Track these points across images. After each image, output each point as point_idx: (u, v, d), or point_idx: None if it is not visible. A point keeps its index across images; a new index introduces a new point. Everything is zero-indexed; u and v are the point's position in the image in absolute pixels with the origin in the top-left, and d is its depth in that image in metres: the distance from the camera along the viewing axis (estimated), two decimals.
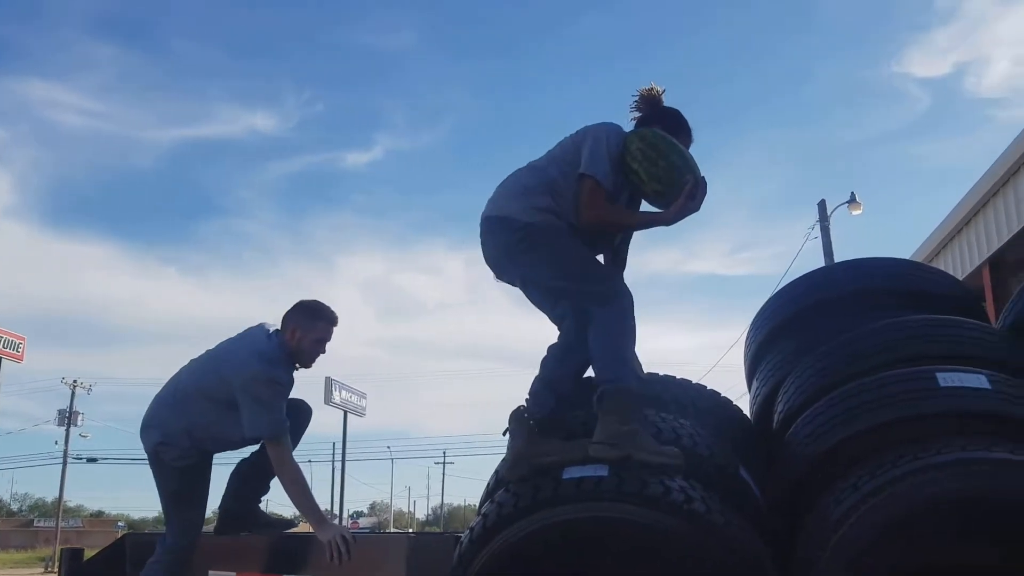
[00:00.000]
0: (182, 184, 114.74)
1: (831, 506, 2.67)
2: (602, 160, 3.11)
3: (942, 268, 9.80)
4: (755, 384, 3.81)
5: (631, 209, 3.26)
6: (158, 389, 3.84)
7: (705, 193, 3.08)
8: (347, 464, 32.89)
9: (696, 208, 3.07)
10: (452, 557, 2.99)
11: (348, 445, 32.57)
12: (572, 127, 3.28)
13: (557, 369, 3.18)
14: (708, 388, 3.54)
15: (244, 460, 3.92)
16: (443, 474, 64.82)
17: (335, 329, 3.83)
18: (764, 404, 3.62)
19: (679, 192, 3.03)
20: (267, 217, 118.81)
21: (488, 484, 3.27)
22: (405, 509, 76.77)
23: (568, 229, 3.11)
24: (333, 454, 44.15)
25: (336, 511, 32.68)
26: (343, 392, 31.77)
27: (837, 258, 18.08)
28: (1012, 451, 2.53)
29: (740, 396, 4.29)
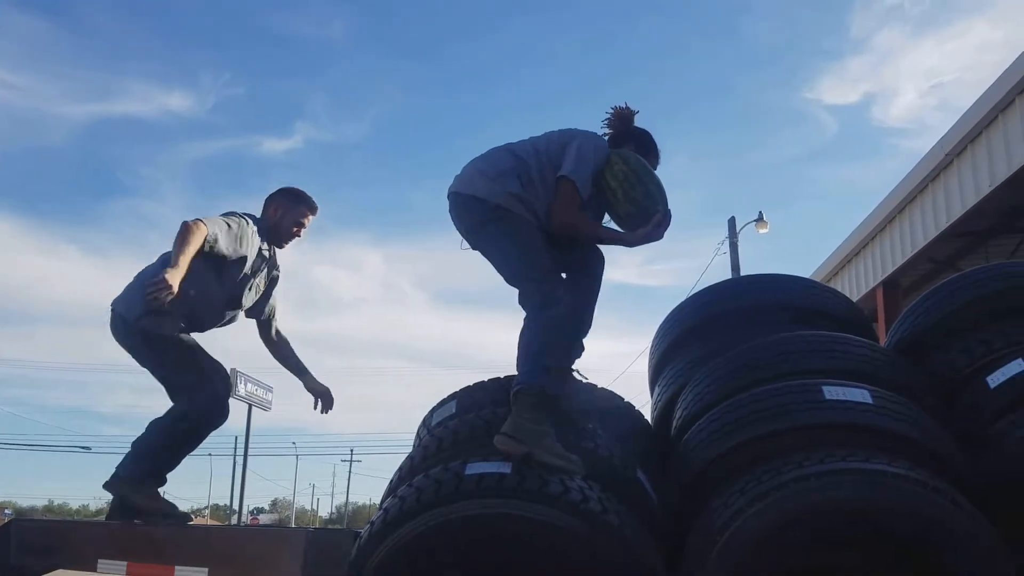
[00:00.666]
0: (92, 162, 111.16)
1: (719, 509, 2.79)
2: (586, 167, 3.19)
3: (840, 288, 10.24)
4: (657, 390, 3.94)
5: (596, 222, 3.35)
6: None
7: (668, 225, 3.23)
8: (250, 459, 32.17)
9: (659, 237, 3.22)
10: (351, 552, 3.02)
11: (252, 439, 31.88)
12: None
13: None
14: (610, 392, 3.64)
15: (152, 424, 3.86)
16: (349, 472, 64.03)
17: (312, 219, 4.10)
18: (664, 410, 3.74)
19: (648, 219, 3.17)
20: (177, 200, 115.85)
21: (392, 481, 3.30)
22: (308, 506, 75.62)
23: (533, 224, 3.16)
24: (235, 448, 43.13)
25: (236, 506, 31.97)
26: (248, 385, 31.03)
27: (744, 273, 18.63)
28: (888, 463, 2.69)
29: (646, 403, 4.41)
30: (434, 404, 3.86)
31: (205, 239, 3.73)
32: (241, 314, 4.16)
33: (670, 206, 3.25)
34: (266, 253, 4.06)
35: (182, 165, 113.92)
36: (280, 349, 4.26)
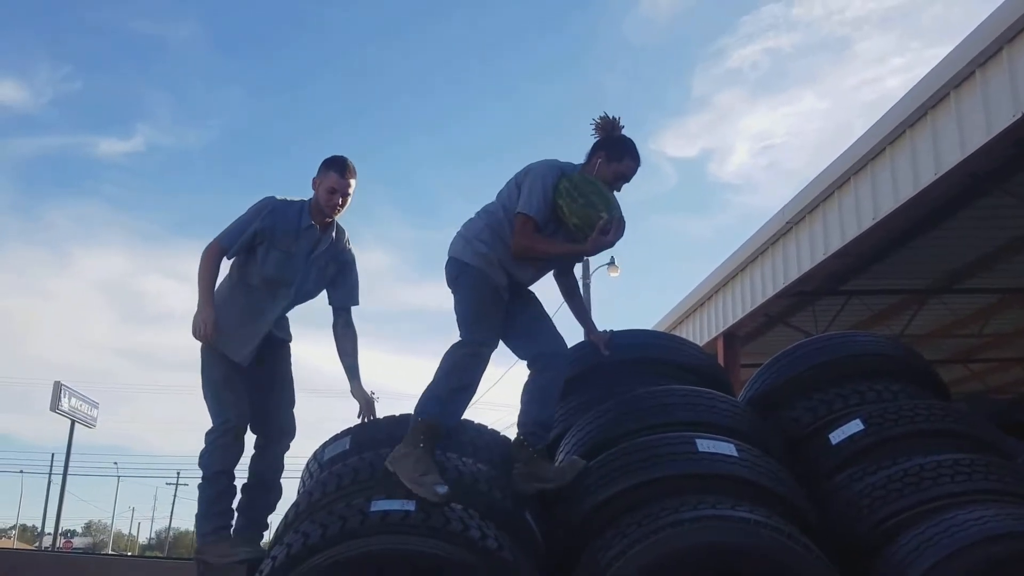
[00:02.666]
0: None
1: (603, 550, 3.07)
2: (535, 197, 3.58)
3: (685, 335, 10.96)
4: None
5: (560, 239, 3.65)
6: None
7: (621, 231, 3.55)
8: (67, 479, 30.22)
9: (610, 243, 3.55)
10: None
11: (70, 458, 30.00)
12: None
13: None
14: (498, 434, 3.87)
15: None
16: (175, 496, 60.99)
17: (350, 180, 3.91)
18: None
19: (593, 227, 3.49)
20: (0, 197, 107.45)
21: (287, 515, 3.39)
22: (126, 531, 71.35)
23: (494, 283, 3.57)
24: (51, 465, 40.37)
25: (50, 528, 29.91)
26: (73, 399, 29.40)
27: (595, 314, 19.31)
28: (751, 511, 3.05)
29: (506, 427, 4.62)
30: (324, 440, 3.99)
31: (219, 251, 3.81)
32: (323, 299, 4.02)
33: (622, 213, 3.58)
34: (318, 232, 3.91)
35: (8, 161, 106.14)
36: (341, 343, 4.04)
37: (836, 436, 3.82)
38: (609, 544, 3.07)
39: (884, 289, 10.09)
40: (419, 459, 3.22)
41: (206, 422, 3.78)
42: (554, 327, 3.78)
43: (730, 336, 10.43)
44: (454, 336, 3.58)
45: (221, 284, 3.91)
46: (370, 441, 3.69)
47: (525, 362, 3.72)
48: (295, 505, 3.39)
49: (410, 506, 3.01)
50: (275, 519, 3.97)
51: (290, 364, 4.07)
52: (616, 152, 3.71)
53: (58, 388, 28.19)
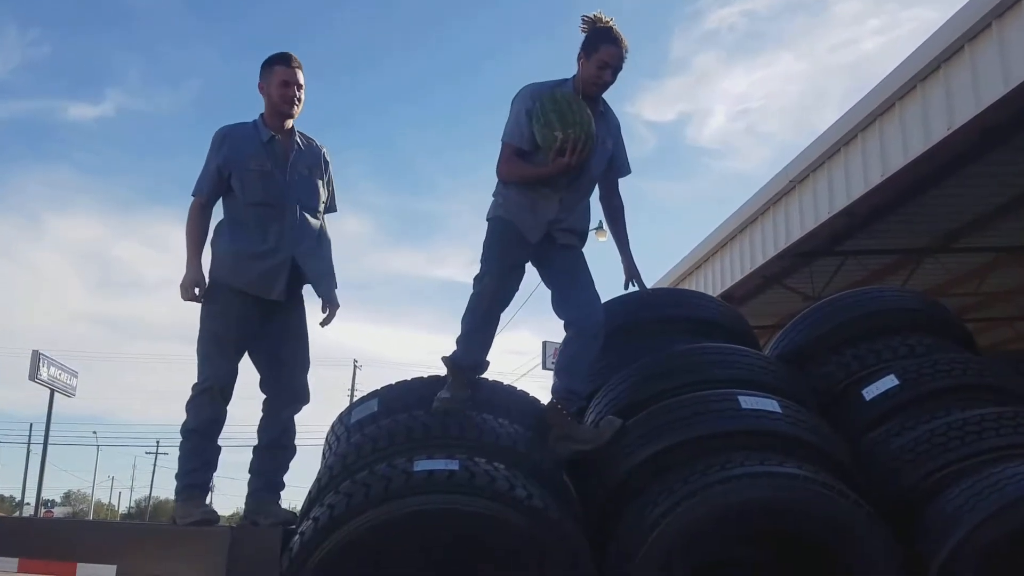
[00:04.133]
0: None
1: (648, 507, 3.01)
2: (510, 124, 3.61)
3: None
4: None
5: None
6: None
7: (584, 151, 3.43)
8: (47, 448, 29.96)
9: (569, 165, 3.43)
10: (276, 549, 3.02)
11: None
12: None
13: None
14: (529, 395, 3.80)
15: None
16: (155, 465, 60.68)
17: (297, 70, 3.82)
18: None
19: (551, 148, 3.42)
20: None
21: (320, 477, 3.30)
22: (105, 500, 71.11)
23: (512, 227, 3.57)
24: (30, 435, 40.09)
25: (31, 499, 29.74)
26: (51, 368, 29.00)
27: None
28: (799, 467, 3.00)
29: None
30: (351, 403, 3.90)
31: (198, 204, 3.76)
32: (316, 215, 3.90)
33: (588, 131, 3.45)
34: (281, 141, 3.81)
35: None
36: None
37: (870, 392, 3.78)
38: (655, 501, 3.02)
39: (881, 249, 10.06)
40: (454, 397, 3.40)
41: (185, 390, 3.70)
42: (590, 295, 3.67)
43: (727, 297, 10.38)
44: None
45: (221, 232, 3.79)
46: (400, 403, 3.61)
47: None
48: (328, 468, 3.30)
49: (454, 465, 2.94)
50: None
51: (303, 319, 3.93)
52: (591, 45, 3.60)
53: (36, 357, 27.76)
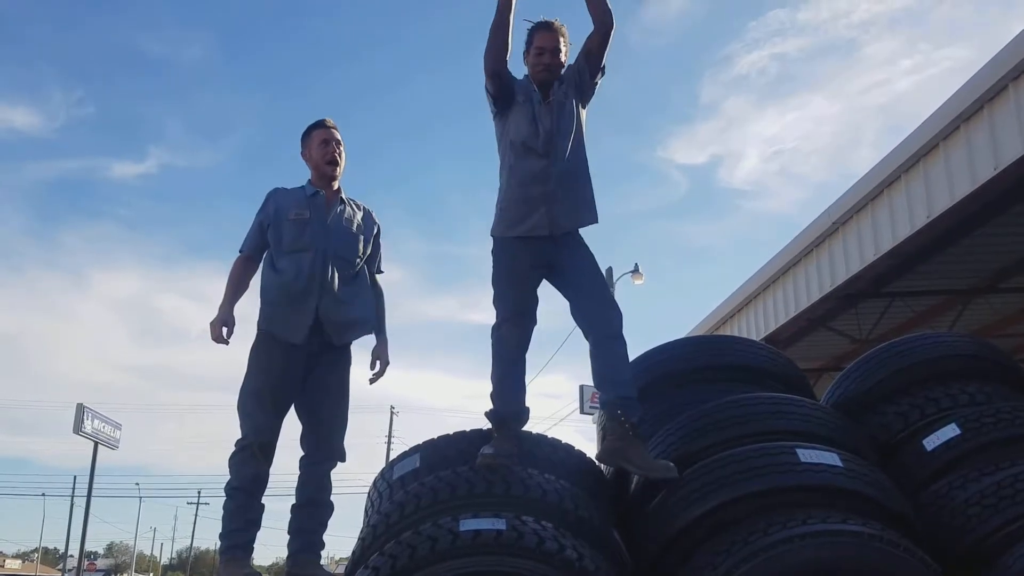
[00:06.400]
0: None
1: (706, 568, 2.89)
2: None
3: None
4: None
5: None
6: None
7: None
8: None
9: None
10: None
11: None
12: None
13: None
14: (575, 449, 3.70)
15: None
16: (196, 515, 60.88)
17: (334, 130, 3.93)
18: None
19: None
20: (16, 222, 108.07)
21: (363, 538, 3.22)
22: (147, 552, 71.24)
23: (506, 246, 3.58)
24: (73, 487, 40.36)
25: (73, 551, 29.84)
26: (95, 421, 29.31)
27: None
28: (864, 524, 2.86)
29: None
30: (392, 459, 3.84)
31: (241, 258, 3.88)
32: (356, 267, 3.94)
33: None
34: (325, 197, 3.89)
35: (24, 184, 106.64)
36: None
37: (931, 442, 3.63)
38: (714, 563, 2.89)
39: (928, 290, 9.86)
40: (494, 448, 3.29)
41: (225, 440, 3.73)
42: (598, 299, 3.58)
43: (772, 341, 10.20)
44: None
45: (263, 281, 3.87)
46: (442, 459, 3.53)
47: None
48: (371, 527, 3.23)
49: (501, 525, 2.85)
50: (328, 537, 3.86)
51: (344, 375, 3.91)
52: (526, 42, 3.72)
53: (81, 410, 28.09)
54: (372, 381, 3.93)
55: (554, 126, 3.58)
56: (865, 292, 9.69)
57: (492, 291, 3.60)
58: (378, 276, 4.07)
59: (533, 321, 3.62)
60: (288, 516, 3.81)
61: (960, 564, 3.18)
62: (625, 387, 3.47)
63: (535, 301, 3.62)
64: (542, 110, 3.60)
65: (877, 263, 7.91)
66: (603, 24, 3.60)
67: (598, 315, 3.54)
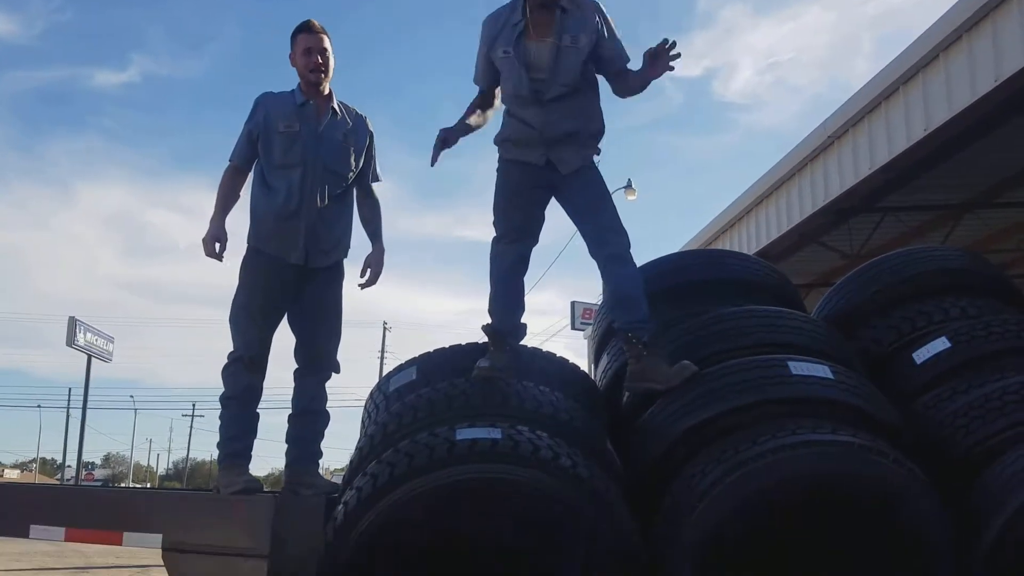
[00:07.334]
0: None
1: (697, 477, 2.95)
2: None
3: None
4: (605, 358, 4.06)
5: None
6: None
7: None
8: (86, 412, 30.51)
9: None
10: (320, 519, 3.00)
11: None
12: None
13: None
14: (569, 363, 3.74)
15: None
16: (191, 427, 61.86)
17: (321, 36, 3.82)
18: (614, 378, 3.86)
19: None
20: None
21: (360, 446, 3.27)
22: (144, 462, 72.59)
23: (507, 168, 3.55)
24: (68, 400, 40.81)
25: (72, 461, 30.36)
26: (88, 334, 29.47)
27: None
28: (854, 435, 2.91)
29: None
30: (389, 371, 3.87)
31: (231, 168, 3.81)
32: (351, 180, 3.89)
33: None
34: (315, 107, 3.79)
35: (3, 97, 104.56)
36: (363, 210, 3.99)
37: (921, 355, 3.67)
38: (704, 471, 2.95)
39: (921, 205, 9.84)
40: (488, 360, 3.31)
41: (218, 354, 3.80)
42: (602, 223, 3.52)
43: (763, 256, 10.22)
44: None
45: (253, 196, 3.81)
46: (439, 371, 3.56)
47: None
48: (368, 437, 3.27)
49: (497, 434, 2.89)
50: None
51: (337, 292, 3.90)
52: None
53: (73, 323, 28.24)
54: (362, 287, 3.89)
55: (548, 67, 3.44)
56: (858, 207, 9.68)
57: (490, 206, 3.58)
58: (374, 185, 4.00)
59: (533, 240, 3.60)
60: (284, 429, 3.86)
61: (948, 474, 3.25)
62: (632, 310, 3.46)
63: (537, 221, 3.59)
64: (537, 50, 3.47)
65: (872, 177, 7.88)
66: (619, 93, 3.67)
67: (604, 241, 3.51)
